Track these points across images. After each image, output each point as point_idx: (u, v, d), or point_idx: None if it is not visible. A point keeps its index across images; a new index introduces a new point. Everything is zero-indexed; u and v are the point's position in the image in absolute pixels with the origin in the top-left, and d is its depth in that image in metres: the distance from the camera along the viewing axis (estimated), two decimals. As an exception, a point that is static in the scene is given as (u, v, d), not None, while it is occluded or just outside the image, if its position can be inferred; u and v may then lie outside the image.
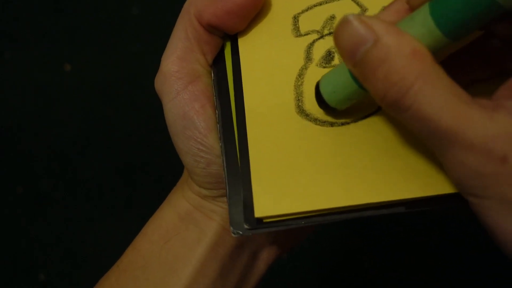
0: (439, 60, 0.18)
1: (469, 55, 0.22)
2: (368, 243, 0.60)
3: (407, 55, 0.17)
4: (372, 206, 0.22)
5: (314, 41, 0.25)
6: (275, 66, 0.24)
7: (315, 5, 0.25)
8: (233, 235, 0.23)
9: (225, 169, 0.24)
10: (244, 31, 0.25)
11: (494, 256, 0.55)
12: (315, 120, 0.23)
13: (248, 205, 0.22)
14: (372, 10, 0.25)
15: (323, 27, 0.25)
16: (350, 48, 0.18)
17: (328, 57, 0.24)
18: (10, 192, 0.69)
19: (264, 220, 0.22)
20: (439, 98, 0.17)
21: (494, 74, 0.22)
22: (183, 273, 0.26)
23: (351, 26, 0.18)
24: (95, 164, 0.70)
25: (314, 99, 0.23)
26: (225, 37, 0.26)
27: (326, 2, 0.25)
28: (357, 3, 0.25)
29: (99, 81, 0.73)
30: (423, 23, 0.18)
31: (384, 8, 0.21)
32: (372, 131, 0.22)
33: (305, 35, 0.25)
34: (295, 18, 0.25)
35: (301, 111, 0.23)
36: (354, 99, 0.22)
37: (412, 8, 0.20)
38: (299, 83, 0.24)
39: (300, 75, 0.24)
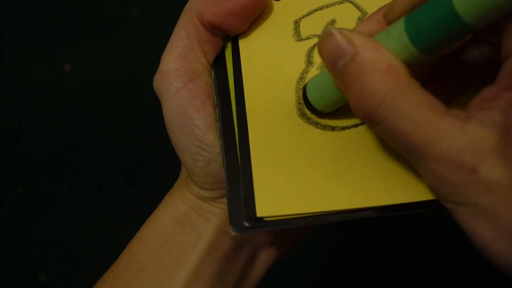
0: (425, 67, 0.18)
1: (461, 60, 0.22)
2: (368, 243, 0.60)
3: (381, 70, 0.17)
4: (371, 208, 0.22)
5: (315, 45, 0.25)
6: (276, 69, 0.24)
7: (316, 10, 0.25)
8: (232, 233, 0.22)
9: (225, 166, 0.23)
10: (245, 33, 0.25)
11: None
12: (316, 124, 0.23)
13: (249, 203, 0.22)
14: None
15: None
16: (332, 60, 0.19)
17: None
18: (10, 192, 0.69)
19: (265, 219, 0.22)
20: (410, 112, 0.17)
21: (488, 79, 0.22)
22: (178, 277, 0.26)
23: (333, 39, 0.19)
24: (95, 164, 0.69)
25: None
26: (226, 39, 0.26)
27: (327, 7, 0.25)
28: (358, 7, 0.25)
29: (99, 81, 0.73)
30: (398, 39, 0.18)
31: (366, 19, 0.22)
32: (373, 136, 0.23)
33: (306, 39, 0.25)
34: (296, 23, 0.25)
35: (303, 115, 0.23)
36: (339, 104, 0.22)
37: (388, 22, 0.20)
38: (300, 87, 0.24)
39: (301, 78, 0.24)
